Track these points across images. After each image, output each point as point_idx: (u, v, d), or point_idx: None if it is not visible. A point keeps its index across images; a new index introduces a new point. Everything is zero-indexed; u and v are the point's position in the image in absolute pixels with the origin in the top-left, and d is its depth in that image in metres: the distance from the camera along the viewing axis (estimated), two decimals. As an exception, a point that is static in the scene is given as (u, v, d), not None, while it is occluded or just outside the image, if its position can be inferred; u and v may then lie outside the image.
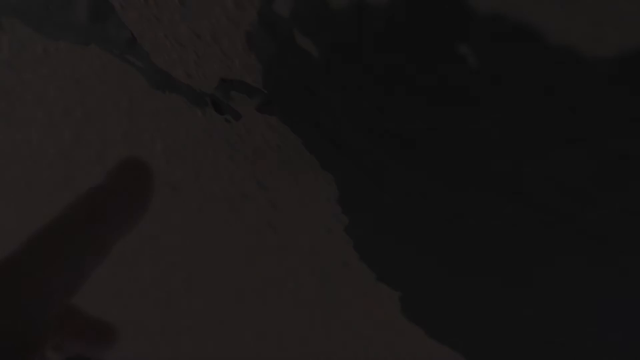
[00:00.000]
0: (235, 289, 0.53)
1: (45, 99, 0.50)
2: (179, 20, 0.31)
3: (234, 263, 0.50)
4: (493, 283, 0.30)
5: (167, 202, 0.52)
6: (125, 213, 0.30)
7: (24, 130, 0.58)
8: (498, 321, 0.31)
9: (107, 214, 0.29)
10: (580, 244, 0.24)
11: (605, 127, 0.19)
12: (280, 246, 0.43)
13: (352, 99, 0.26)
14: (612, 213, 0.22)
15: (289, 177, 0.36)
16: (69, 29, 0.38)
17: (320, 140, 0.31)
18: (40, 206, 0.69)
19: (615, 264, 0.24)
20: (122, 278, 0.67)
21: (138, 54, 0.36)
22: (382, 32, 0.22)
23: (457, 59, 0.21)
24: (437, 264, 0.32)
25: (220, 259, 0.51)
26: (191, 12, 0.30)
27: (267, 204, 0.41)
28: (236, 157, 0.40)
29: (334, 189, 0.34)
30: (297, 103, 0.29)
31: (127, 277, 0.66)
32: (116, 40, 0.36)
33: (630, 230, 0.22)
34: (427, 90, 0.23)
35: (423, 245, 0.31)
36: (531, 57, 0.19)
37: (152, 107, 0.41)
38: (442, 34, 0.20)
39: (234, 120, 0.35)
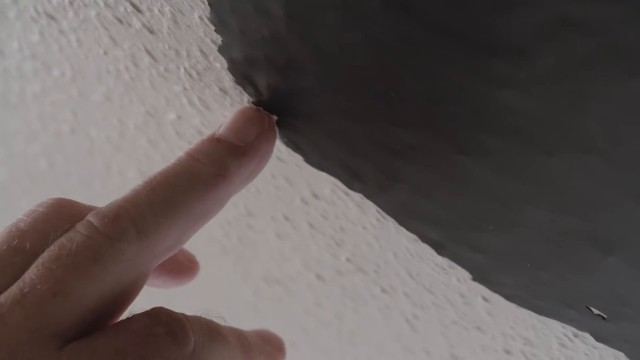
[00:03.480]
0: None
1: None
2: None
3: (115, 93, 0.47)
4: (371, 101, 0.28)
5: (45, 34, 0.49)
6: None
7: None
8: (374, 145, 0.30)
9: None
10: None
11: None
12: (159, 73, 0.41)
13: None
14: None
15: (160, -4, 0.34)
16: None
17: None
18: None
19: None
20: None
21: None
22: None
23: None
24: (313, 81, 0.29)
25: (100, 88, 0.48)
26: None
27: (143, 28, 0.38)
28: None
29: (205, 6, 0.31)
30: None
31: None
32: None
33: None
34: None
35: (295, 62, 0.29)
36: None
37: None
38: None
39: None
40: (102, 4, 0.39)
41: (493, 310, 0.35)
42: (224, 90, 0.36)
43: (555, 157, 0.23)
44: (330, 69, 0.28)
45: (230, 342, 0.29)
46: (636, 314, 0.27)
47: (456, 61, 0.23)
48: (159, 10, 0.35)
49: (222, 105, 0.38)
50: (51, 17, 0.46)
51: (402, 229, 0.34)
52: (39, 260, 0.26)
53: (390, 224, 0.34)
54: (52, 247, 0.26)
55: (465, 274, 0.34)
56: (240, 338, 0.30)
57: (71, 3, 0.42)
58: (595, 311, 0.28)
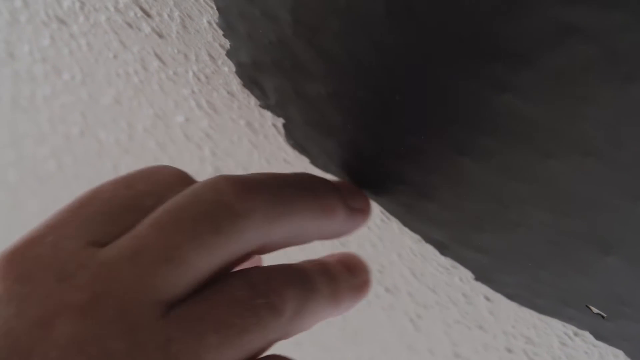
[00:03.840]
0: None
1: None
2: None
3: (124, 96, 0.48)
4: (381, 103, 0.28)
5: (56, 38, 0.49)
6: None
7: None
8: (378, 147, 0.30)
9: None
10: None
11: None
12: (168, 76, 0.41)
13: None
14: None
15: (170, 0, 0.34)
16: None
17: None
18: None
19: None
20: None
21: None
22: None
23: None
24: (319, 84, 0.30)
25: (110, 91, 0.48)
26: None
27: (152, 32, 0.38)
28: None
29: (214, 11, 0.32)
30: None
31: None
32: None
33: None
34: None
35: (302, 67, 0.30)
36: None
37: None
38: None
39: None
40: (112, 9, 0.39)
41: (495, 310, 0.35)
42: (231, 94, 0.37)
43: (556, 159, 0.23)
44: (336, 73, 0.28)
45: (322, 293, 0.28)
46: (635, 313, 0.27)
47: (458, 65, 0.23)
48: (169, 15, 0.35)
49: (230, 108, 0.38)
50: (62, 22, 0.46)
51: (406, 229, 0.34)
52: (156, 219, 0.24)
53: (394, 224, 0.35)
54: (171, 207, 0.25)
55: (467, 274, 0.34)
56: (330, 283, 0.29)
57: (82, 8, 0.43)
58: (595, 310, 0.29)
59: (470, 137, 0.25)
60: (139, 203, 0.25)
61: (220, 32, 0.32)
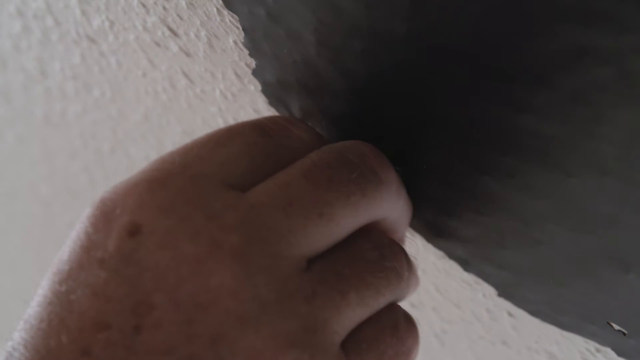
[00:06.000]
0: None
1: None
2: None
3: (153, 113, 0.49)
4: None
5: (86, 56, 0.50)
6: None
7: None
8: (401, 166, 0.31)
9: None
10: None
11: None
12: (195, 94, 0.42)
13: None
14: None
15: (197, 20, 0.35)
16: None
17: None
18: None
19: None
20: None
21: None
22: None
23: None
24: (343, 103, 0.30)
25: (139, 108, 0.49)
26: None
27: (180, 51, 0.39)
28: (146, 4, 0.38)
29: (240, 31, 0.32)
30: None
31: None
32: None
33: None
34: None
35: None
36: None
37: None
38: None
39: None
40: (140, 28, 0.40)
41: (518, 325, 0.36)
42: (257, 112, 0.37)
43: (575, 178, 0.24)
44: (358, 93, 0.29)
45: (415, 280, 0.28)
46: (656, 330, 0.27)
47: (477, 86, 0.23)
48: (195, 35, 0.36)
49: (256, 126, 0.39)
50: (92, 40, 0.47)
51: (430, 245, 0.34)
52: (308, 171, 0.24)
53: (419, 240, 0.35)
54: (319, 162, 0.24)
55: (490, 290, 0.34)
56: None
57: (111, 27, 0.44)
58: (616, 327, 0.29)
59: (491, 157, 0.26)
60: (278, 153, 0.25)
61: (246, 52, 0.33)
